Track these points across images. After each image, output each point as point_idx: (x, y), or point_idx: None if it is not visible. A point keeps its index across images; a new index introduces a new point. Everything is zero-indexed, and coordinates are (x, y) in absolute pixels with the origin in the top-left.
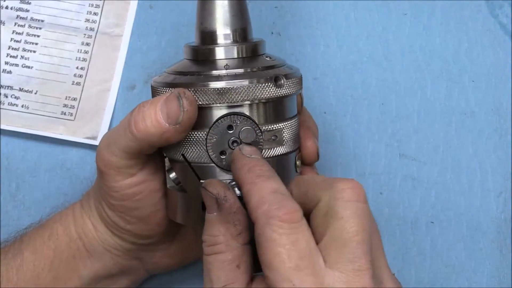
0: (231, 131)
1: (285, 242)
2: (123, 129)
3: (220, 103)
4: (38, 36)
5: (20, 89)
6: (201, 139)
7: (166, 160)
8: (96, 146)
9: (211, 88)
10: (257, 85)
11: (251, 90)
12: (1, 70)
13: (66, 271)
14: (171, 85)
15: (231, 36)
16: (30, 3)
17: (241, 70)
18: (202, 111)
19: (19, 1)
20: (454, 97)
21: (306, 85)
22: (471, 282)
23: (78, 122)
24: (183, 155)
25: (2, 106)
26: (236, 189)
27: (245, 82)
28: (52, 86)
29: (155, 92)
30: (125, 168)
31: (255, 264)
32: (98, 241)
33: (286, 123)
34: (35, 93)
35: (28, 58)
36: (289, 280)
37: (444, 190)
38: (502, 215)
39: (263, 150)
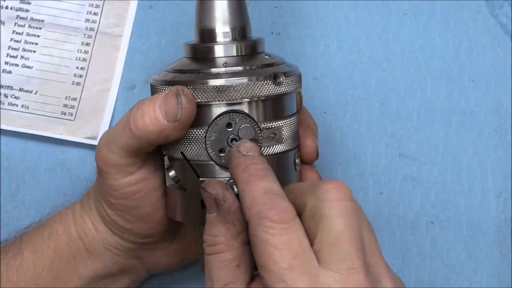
0: (230, 129)
1: (277, 242)
2: (122, 127)
3: (219, 100)
4: (38, 36)
5: (20, 89)
6: (200, 137)
7: (166, 158)
8: (96, 146)
9: (210, 86)
10: (256, 83)
11: (250, 87)
12: (1, 70)
13: (66, 270)
14: (170, 83)
15: (230, 34)
16: (30, 3)
17: (240, 68)
18: (201, 109)
19: (19, 1)
20: (454, 97)
21: (306, 85)
22: (471, 282)
23: (78, 122)
24: (182, 153)
25: (2, 106)
26: (235, 187)
27: (244, 80)
28: (52, 86)
29: (154, 90)
30: (124, 166)
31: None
32: (98, 241)
33: (285, 121)
34: (35, 93)
35: (28, 58)
36: (283, 280)
37: (444, 190)
38: (502, 215)
39: (262, 148)
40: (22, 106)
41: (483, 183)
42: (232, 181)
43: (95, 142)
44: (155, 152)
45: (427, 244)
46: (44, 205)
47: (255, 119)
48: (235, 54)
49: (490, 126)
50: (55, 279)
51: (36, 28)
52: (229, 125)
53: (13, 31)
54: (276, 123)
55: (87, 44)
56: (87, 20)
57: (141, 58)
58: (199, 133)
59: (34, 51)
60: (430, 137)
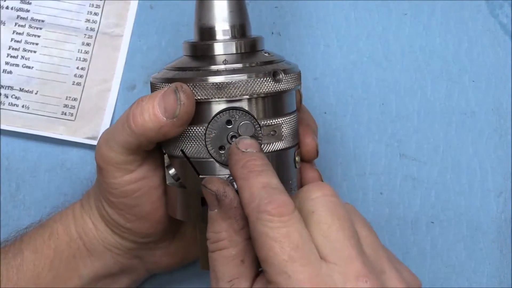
0: (230, 126)
1: (277, 235)
2: (122, 124)
3: (218, 97)
4: (39, 36)
5: (21, 89)
6: (200, 134)
7: (166, 156)
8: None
9: (210, 83)
10: (256, 80)
11: (249, 84)
12: (2, 70)
13: (66, 270)
14: (169, 80)
15: (230, 32)
16: (30, 3)
17: (239, 65)
18: (201, 106)
19: (19, 1)
20: (454, 97)
21: (306, 85)
22: (471, 282)
23: (78, 122)
24: (182, 150)
25: (2, 106)
26: (235, 184)
27: (244, 77)
28: (53, 86)
29: (154, 88)
30: (124, 164)
31: None
32: (98, 240)
33: (285, 118)
34: (36, 93)
35: (29, 58)
36: (284, 272)
37: (444, 190)
38: (502, 215)
39: (262, 145)
40: (23, 106)
41: (483, 183)
42: (232, 178)
43: (95, 142)
44: (155, 151)
45: (427, 244)
46: (44, 205)
47: (255, 116)
48: (234, 51)
49: (490, 126)
50: (55, 278)
51: (37, 28)
52: (229, 122)
53: (14, 31)
54: (276, 120)
55: (88, 44)
56: (88, 20)
57: (141, 58)
58: (199, 130)
59: (35, 51)
60: (430, 137)
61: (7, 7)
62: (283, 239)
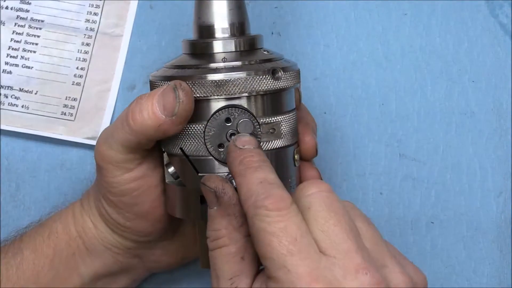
0: (229, 124)
1: (274, 229)
2: (121, 122)
3: (218, 95)
4: (38, 36)
5: (20, 89)
6: (199, 132)
7: (165, 155)
8: None
9: (209, 81)
10: (255, 77)
11: (248, 82)
12: (1, 71)
13: (66, 269)
14: (169, 78)
15: (229, 30)
16: (30, 3)
17: (238, 63)
18: (200, 103)
19: (19, 1)
20: (454, 97)
21: (306, 85)
22: (471, 282)
23: (78, 123)
24: (181, 148)
25: (2, 107)
26: (234, 181)
27: (243, 74)
28: (52, 86)
29: (153, 86)
30: (123, 163)
31: None
32: (98, 239)
33: (284, 116)
34: (35, 93)
35: (28, 58)
36: (283, 266)
37: (444, 190)
38: (502, 215)
39: (261, 143)
40: (22, 106)
41: (483, 183)
42: (231, 175)
43: (95, 142)
44: (154, 149)
45: (427, 244)
46: (44, 205)
47: (254, 114)
48: (233, 49)
49: (490, 126)
50: (54, 278)
51: (36, 28)
52: (228, 120)
53: (13, 31)
54: (275, 118)
55: (87, 44)
56: (87, 20)
57: (141, 58)
58: (198, 128)
59: (34, 51)
60: (430, 137)
61: (6, 7)
62: (281, 233)
